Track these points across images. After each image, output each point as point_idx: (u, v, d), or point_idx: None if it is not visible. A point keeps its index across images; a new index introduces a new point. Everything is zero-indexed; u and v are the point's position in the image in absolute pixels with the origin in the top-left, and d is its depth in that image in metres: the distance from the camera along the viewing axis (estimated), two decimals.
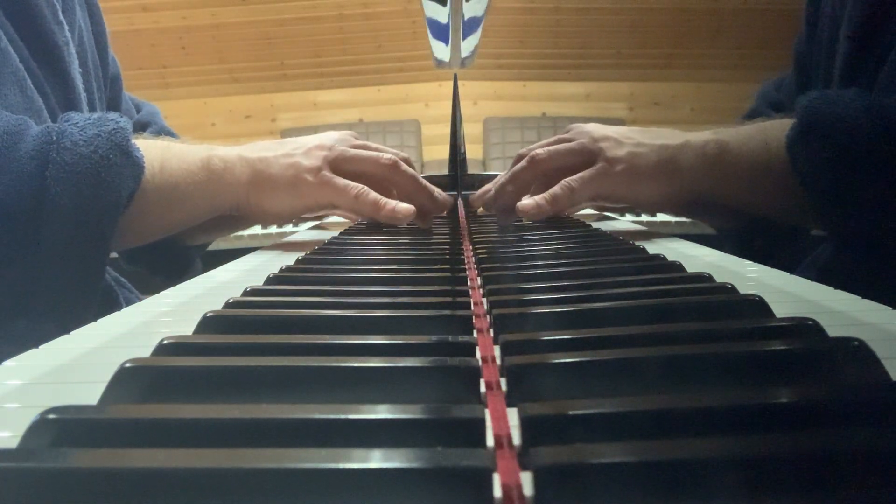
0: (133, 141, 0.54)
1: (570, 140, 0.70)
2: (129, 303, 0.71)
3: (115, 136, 0.53)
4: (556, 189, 0.67)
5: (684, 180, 0.63)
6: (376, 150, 0.70)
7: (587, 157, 0.67)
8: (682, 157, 0.63)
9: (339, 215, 0.79)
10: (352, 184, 0.66)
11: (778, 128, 0.58)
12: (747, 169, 0.61)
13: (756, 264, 0.49)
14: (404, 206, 0.67)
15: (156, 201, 0.58)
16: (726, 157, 0.62)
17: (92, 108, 0.71)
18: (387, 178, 0.69)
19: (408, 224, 0.70)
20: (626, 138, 0.67)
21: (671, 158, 0.64)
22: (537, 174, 0.70)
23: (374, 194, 0.66)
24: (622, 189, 0.66)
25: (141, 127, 0.87)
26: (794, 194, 0.56)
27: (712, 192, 0.64)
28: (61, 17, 0.65)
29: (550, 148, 0.70)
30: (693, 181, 0.63)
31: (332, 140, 0.68)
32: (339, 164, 0.67)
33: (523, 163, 0.70)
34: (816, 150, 0.54)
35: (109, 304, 0.69)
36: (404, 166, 0.69)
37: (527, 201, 0.69)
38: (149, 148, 0.57)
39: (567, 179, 0.67)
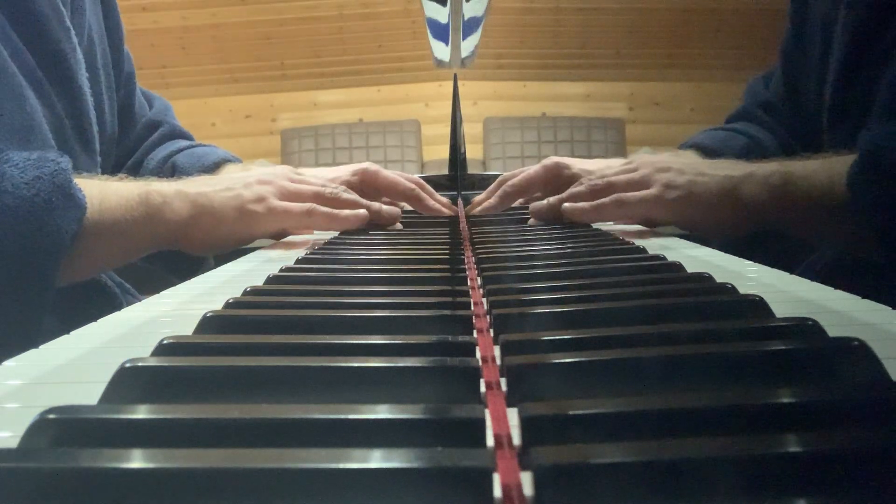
0: (75, 181, 0.54)
1: (633, 170, 0.70)
2: (130, 304, 0.71)
3: (57, 178, 0.52)
4: (605, 199, 0.68)
5: (748, 210, 0.64)
6: (312, 184, 0.72)
7: (646, 185, 0.68)
8: (745, 187, 0.64)
9: (292, 233, 0.77)
10: (298, 204, 0.68)
11: (842, 163, 0.58)
12: (811, 201, 0.61)
13: (756, 264, 0.49)
14: (353, 214, 0.69)
15: (96, 239, 0.57)
16: (791, 189, 0.62)
17: (100, 113, 0.71)
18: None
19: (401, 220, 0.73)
20: (689, 167, 0.68)
21: (734, 188, 0.64)
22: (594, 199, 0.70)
23: (323, 208, 0.68)
24: (676, 215, 0.67)
25: (153, 126, 0.86)
26: (857, 228, 0.57)
27: (776, 223, 0.65)
28: (68, 23, 0.65)
29: (614, 178, 0.70)
30: (757, 211, 0.63)
31: (271, 175, 0.70)
32: (282, 198, 0.68)
33: (583, 188, 0.71)
34: (877, 186, 0.54)
35: (113, 306, 0.69)
36: (345, 195, 0.71)
37: (572, 205, 0.70)
38: (87, 186, 0.56)
39: (620, 194, 0.68)
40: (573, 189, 0.72)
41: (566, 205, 0.70)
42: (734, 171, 0.65)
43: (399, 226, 0.74)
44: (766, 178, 0.63)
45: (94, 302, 0.68)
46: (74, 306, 0.58)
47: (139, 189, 0.62)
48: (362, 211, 0.70)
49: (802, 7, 0.79)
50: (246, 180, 0.68)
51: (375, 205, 0.72)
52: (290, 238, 0.73)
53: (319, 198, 0.69)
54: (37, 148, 0.59)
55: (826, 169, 0.61)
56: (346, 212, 0.69)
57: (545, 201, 0.74)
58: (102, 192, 0.59)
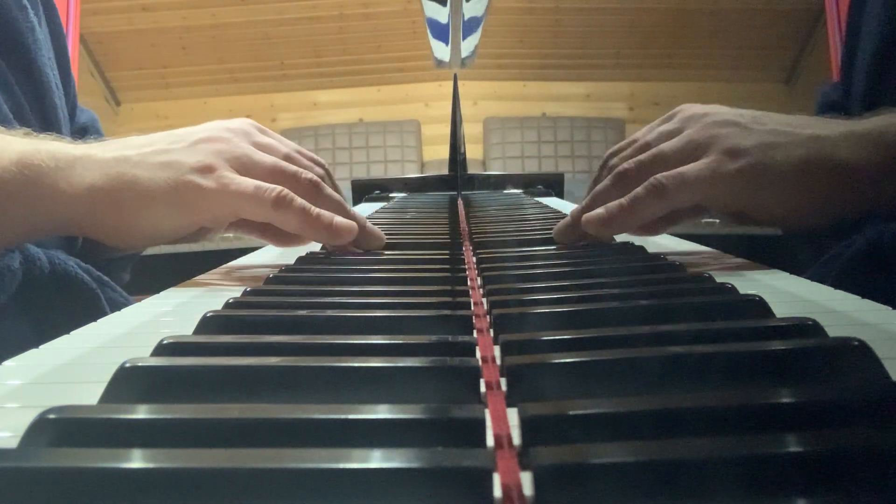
0: None
1: (675, 131, 0.50)
2: (112, 303, 0.55)
3: None
4: (639, 190, 0.47)
5: (856, 183, 0.45)
6: (288, 155, 0.51)
7: (697, 154, 0.47)
8: (844, 151, 0.45)
9: (242, 233, 0.54)
10: (265, 184, 0.46)
11: None
12: None
13: (755, 264, 0.49)
14: (345, 222, 0.49)
15: None
16: None
17: (68, 97, 0.66)
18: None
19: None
20: (756, 123, 0.47)
21: (829, 155, 0.45)
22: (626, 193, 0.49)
23: (299, 199, 0.47)
24: (746, 195, 0.46)
25: (84, 133, 0.74)
26: None
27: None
28: (24, 2, 0.60)
29: (642, 157, 0.49)
30: (870, 183, 0.45)
31: (228, 132, 0.49)
32: (240, 172, 0.47)
33: (607, 181, 0.51)
34: None
35: (90, 305, 0.55)
36: (328, 190, 0.50)
37: (593, 212, 0.49)
38: None
39: (658, 175, 0.46)
40: (598, 187, 0.51)
41: (585, 217, 0.49)
42: (822, 130, 0.46)
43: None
44: (878, 136, 0.45)
45: (63, 299, 0.53)
46: (42, 305, 0.48)
47: (23, 146, 0.44)
48: (352, 223, 0.49)
49: (858, 16, 0.69)
50: (191, 138, 0.48)
51: (361, 218, 0.52)
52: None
53: (292, 179, 0.48)
54: None
55: None
56: (330, 215, 0.48)
57: (601, 208, 0.49)
58: None
